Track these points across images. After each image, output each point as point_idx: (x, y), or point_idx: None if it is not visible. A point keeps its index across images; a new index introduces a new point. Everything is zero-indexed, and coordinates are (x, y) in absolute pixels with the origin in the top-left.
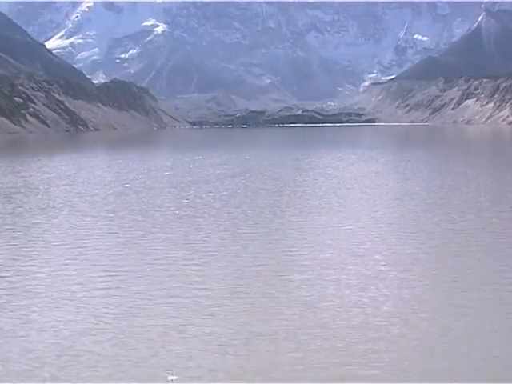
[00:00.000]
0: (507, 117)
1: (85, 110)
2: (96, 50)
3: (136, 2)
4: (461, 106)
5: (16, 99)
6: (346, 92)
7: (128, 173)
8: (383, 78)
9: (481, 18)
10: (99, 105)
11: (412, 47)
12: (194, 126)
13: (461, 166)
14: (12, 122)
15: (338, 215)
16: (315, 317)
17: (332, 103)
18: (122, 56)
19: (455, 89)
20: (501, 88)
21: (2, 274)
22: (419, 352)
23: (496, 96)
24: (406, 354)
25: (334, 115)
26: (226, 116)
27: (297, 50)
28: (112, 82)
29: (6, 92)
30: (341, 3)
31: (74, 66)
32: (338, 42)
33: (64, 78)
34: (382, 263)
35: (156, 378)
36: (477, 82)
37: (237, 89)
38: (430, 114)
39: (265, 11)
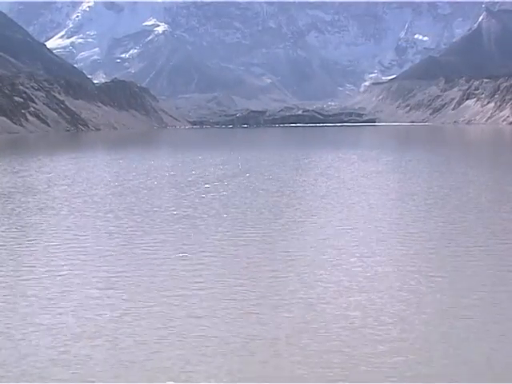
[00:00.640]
0: (508, 117)
1: (85, 109)
2: (96, 49)
3: (136, 2)
4: (461, 106)
5: (16, 99)
6: (347, 92)
7: (128, 173)
8: (384, 78)
9: (481, 17)
10: (100, 104)
11: (412, 47)
12: (195, 126)
13: (461, 166)
14: (12, 122)
15: (338, 216)
16: (315, 319)
17: (332, 103)
18: (123, 56)
19: (456, 89)
20: (501, 88)
21: None
22: (420, 354)
23: (496, 96)
24: (407, 355)
25: (334, 115)
26: (226, 116)
27: (297, 49)
28: (112, 81)
29: (6, 91)
30: (341, 3)
31: (75, 65)
32: (338, 41)
33: (64, 77)
34: (383, 264)
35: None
36: (477, 82)
37: (237, 89)
38: (430, 114)
39: (265, 11)
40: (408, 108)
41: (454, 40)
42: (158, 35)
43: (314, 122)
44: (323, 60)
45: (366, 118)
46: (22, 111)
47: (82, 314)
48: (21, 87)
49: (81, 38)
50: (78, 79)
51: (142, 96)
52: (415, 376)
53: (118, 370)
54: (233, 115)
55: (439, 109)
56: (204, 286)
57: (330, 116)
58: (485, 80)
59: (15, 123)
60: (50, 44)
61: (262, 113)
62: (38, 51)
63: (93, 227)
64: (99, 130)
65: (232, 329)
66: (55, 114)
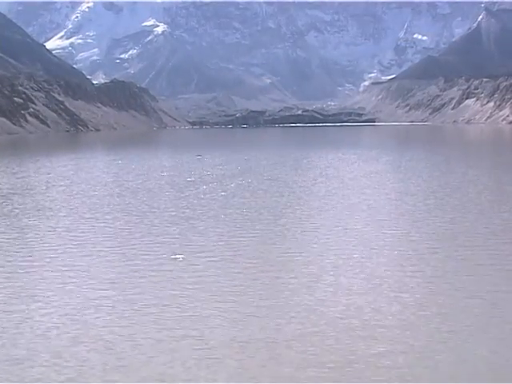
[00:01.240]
0: (507, 116)
1: (85, 110)
2: (96, 50)
3: (136, 2)
4: (461, 105)
5: (16, 99)
6: (346, 92)
7: (127, 173)
8: (383, 78)
9: (481, 17)
10: (99, 105)
11: (412, 47)
12: (194, 126)
13: (461, 165)
14: (12, 123)
15: (338, 216)
16: (314, 322)
17: (332, 103)
18: (122, 56)
19: (455, 88)
20: (501, 87)
21: None
22: (421, 357)
23: (496, 95)
24: (408, 358)
25: (334, 115)
26: (226, 116)
27: (297, 49)
28: (112, 82)
29: (6, 92)
30: (341, 3)
31: (74, 66)
32: (337, 41)
33: (64, 78)
34: (383, 266)
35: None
36: (477, 82)
37: (237, 89)
38: (430, 114)
39: (265, 11)
40: (407, 108)
41: (453, 40)
42: (157, 35)
43: (313, 122)
44: (323, 60)
45: (365, 118)
46: (22, 112)
47: (79, 315)
48: (20, 88)
49: (80, 39)
50: (77, 80)
51: (141, 96)
52: (416, 378)
53: (113, 373)
54: (232, 115)
55: (439, 108)
56: (202, 288)
57: (329, 116)
58: (484, 79)
59: (15, 124)
60: (49, 45)
61: (262, 113)
62: (37, 52)
63: (91, 228)
64: (99, 130)
65: (230, 332)
66: (55, 115)
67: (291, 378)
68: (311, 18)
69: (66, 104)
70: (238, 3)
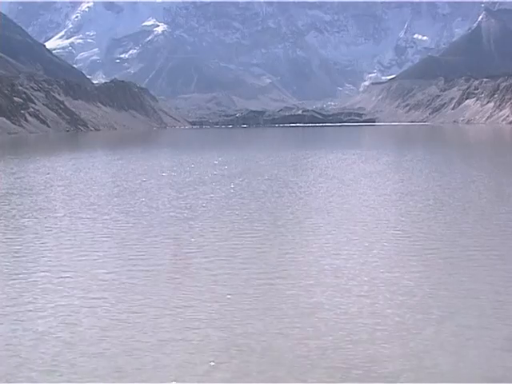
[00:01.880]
0: (507, 116)
1: (85, 110)
2: (96, 50)
3: (136, 2)
4: (461, 105)
5: (16, 99)
6: (346, 92)
7: (126, 174)
8: (383, 78)
9: (481, 17)
10: (99, 105)
11: (412, 47)
12: (194, 126)
13: (462, 166)
14: (12, 122)
15: (337, 217)
16: (313, 325)
17: (332, 103)
18: (122, 56)
19: (455, 88)
20: (501, 87)
21: None
22: (421, 357)
23: (496, 96)
24: (409, 361)
25: (334, 115)
26: (226, 116)
27: (297, 49)
28: (112, 82)
29: (5, 92)
30: (341, 3)
31: (74, 66)
32: (337, 41)
33: (64, 78)
34: (382, 267)
35: None
36: (477, 82)
37: (237, 89)
38: (430, 114)
39: (265, 11)
40: (407, 108)
41: (453, 40)
42: (157, 35)
43: (313, 121)
44: (323, 60)
45: (365, 118)
46: (22, 112)
47: (77, 317)
48: (20, 88)
49: (80, 39)
50: (77, 79)
51: (141, 96)
52: (416, 379)
53: (112, 377)
54: (232, 115)
55: (439, 108)
56: (199, 290)
57: (329, 116)
58: (484, 80)
59: (15, 124)
60: (49, 44)
61: (262, 113)
62: (37, 52)
63: (89, 229)
64: (99, 130)
65: (228, 335)
66: (55, 115)
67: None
68: (311, 18)
69: (66, 104)
70: (238, 3)
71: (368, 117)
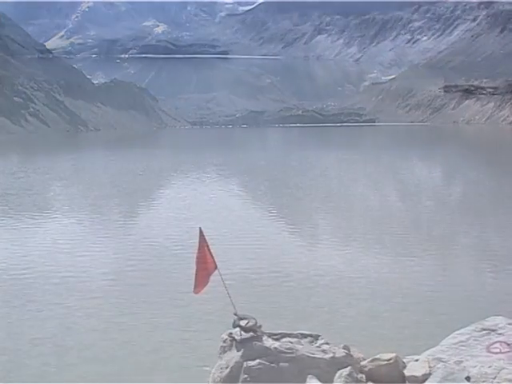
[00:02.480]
0: (507, 117)
1: (85, 110)
2: (96, 50)
3: (136, 2)
4: (461, 106)
5: (16, 99)
6: (346, 92)
7: (126, 174)
8: (383, 78)
9: (481, 17)
10: (99, 105)
11: (412, 47)
12: (194, 126)
13: (462, 166)
14: (12, 122)
15: (337, 218)
16: (312, 327)
17: (332, 103)
18: (122, 56)
19: (455, 89)
20: (501, 88)
21: None
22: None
23: (496, 96)
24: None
25: (334, 115)
26: (226, 116)
27: (297, 50)
28: (112, 82)
29: (5, 92)
30: (341, 3)
31: (74, 66)
32: (337, 41)
33: (64, 78)
34: (382, 268)
35: None
36: (477, 82)
37: (237, 89)
38: (430, 114)
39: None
40: (407, 108)
41: (453, 40)
42: (157, 35)
43: (313, 122)
44: (323, 60)
45: (365, 118)
46: (22, 112)
47: (75, 319)
48: (20, 88)
49: (80, 39)
50: (77, 80)
51: (141, 96)
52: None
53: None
54: (232, 115)
55: (439, 109)
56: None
57: (329, 116)
58: (484, 80)
59: (15, 124)
60: (49, 45)
61: (262, 113)
62: (37, 52)
63: (87, 230)
64: (99, 130)
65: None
66: (55, 115)
67: None
68: (311, 18)
69: (66, 104)
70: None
71: (368, 117)
